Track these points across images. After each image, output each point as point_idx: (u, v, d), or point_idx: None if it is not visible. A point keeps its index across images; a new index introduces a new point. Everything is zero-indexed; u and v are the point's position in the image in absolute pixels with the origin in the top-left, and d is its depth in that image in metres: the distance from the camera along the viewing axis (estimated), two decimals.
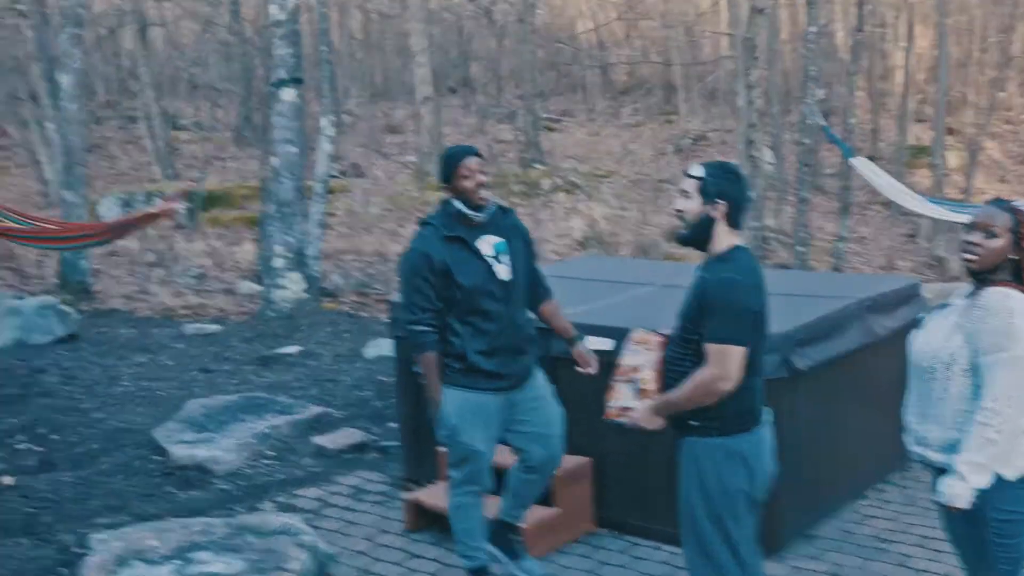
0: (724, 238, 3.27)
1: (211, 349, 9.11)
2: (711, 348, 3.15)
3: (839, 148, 12.89)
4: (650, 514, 4.84)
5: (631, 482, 4.92)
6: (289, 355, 8.73)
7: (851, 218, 15.27)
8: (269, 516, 5.00)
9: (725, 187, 3.25)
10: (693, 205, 3.26)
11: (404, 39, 24.53)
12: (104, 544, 4.51)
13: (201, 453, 5.93)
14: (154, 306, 11.72)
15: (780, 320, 4.20)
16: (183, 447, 6.01)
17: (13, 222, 12.10)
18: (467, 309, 3.97)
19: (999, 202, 3.16)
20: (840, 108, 18.94)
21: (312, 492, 5.56)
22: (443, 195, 4.11)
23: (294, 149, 10.92)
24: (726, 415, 3.21)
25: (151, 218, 12.05)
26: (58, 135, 13.56)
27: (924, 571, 4.44)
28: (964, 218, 9.82)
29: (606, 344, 4.57)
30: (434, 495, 5.01)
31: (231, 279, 13.03)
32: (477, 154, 4.07)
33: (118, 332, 9.78)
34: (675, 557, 4.45)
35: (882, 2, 22.56)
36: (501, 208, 4.17)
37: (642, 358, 3.41)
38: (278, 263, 10.64)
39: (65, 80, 12.77)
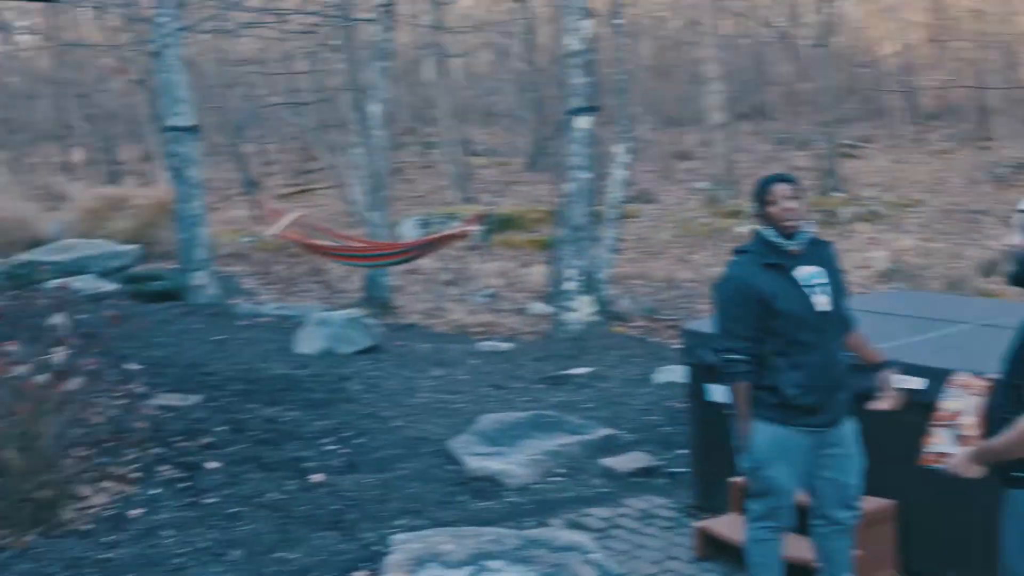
0: None
1: (503, 366, 9.44)
2: None
3: None
4: (962, 565, 4.53)
5: (942, 530, 4.62)
6: (578, 376, 8.90)
7: None
8: (559, 532, 5.09)
9: None
10: None
11: (697, 65, 24.48)
12: (403, 544, 4.75)
13: (494, 466, 6.14)
14: (449, 322, 12.29)
15: None
16: (477, 459, 6.26)
17: (326, 240, 13.13)
18: (784, 340, 3.88)
19: None
20: None
21: (600, 512, 5.62)
22: (755, 225, 4.06)
23: (587, 175, 11.16)
24: None
25: (449, 239, 12.74)
26: (365, 160, 14.53)
27: None
28: None
29: (914, 383, 4.34)
30: (725, 525, 4.94)
31: (522, 300, 13.45)
32: (789, 180, 3.99)
33: (416, 346, 10.32)
34: None
35: None
36: (817, 239, 4.06)
37: (964, 403, 3.26)
38: (569, 286, 10.89)
39: (373, 109, 13.69)
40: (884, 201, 19.13)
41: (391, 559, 4.62)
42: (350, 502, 5.71)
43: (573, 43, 11.15)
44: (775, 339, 3.88)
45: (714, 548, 4.97)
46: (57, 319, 5.66)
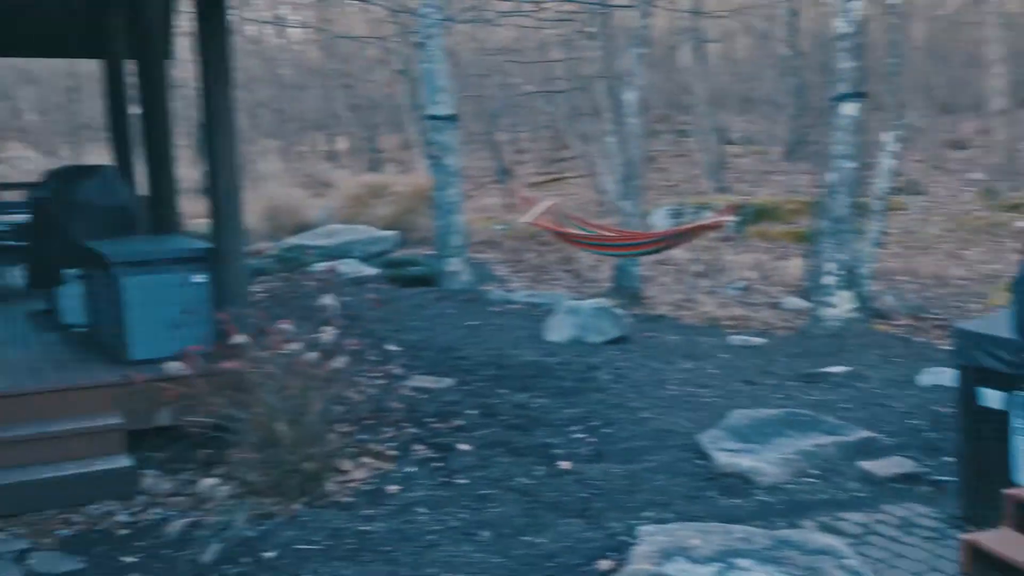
0: None
1: (755, 361, 9.28)
2: None
3: None
4: None
5: None
6: (835, 375, 8.63)
7: None
8: (812, 534, 4.98)
9: None
10: None
11: (977, 47, 23.07)
12: (651, 536, 4.79)
13: (744, 463, 6.07)
14: (699, 315, 12.20)
15: None
16: (726, 455, 6.20)
17: (577, 229, 13.31)
18: None
19: None
20: None
21: (856, 517, 5.44)
22: None
23: (851, 165, 10.79)
24: None
25: (701, 229, 12.62)
26: (618, 148, 14.62)
27: None
28: None
29: None
30: (998, 540, 4.67)
31: (776, 293, 13.16)
32: None
33: (665, 338, 10.31)
34: None
35: None
36: None
37: None
38: (828, 280, 10.57)
39: (628, 96, 13.73)
40: None
41: (638, 550, 4.67)
42: (597, 491, 5.80)
43: (842, 25, 10.79)
44: None
45: (983, 565, 4.71)
46: (326, 300, 6.03)
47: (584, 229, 13.56)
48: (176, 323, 6.67)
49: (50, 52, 13.97)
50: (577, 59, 21.43)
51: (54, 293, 8.31)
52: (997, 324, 5.11)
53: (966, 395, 5.25)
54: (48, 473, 6.01)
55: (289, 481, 5.71)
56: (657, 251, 12.99)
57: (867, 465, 6.14)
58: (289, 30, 34.66)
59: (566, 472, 6.14)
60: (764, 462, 6.08)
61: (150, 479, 6.22)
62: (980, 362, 5.06)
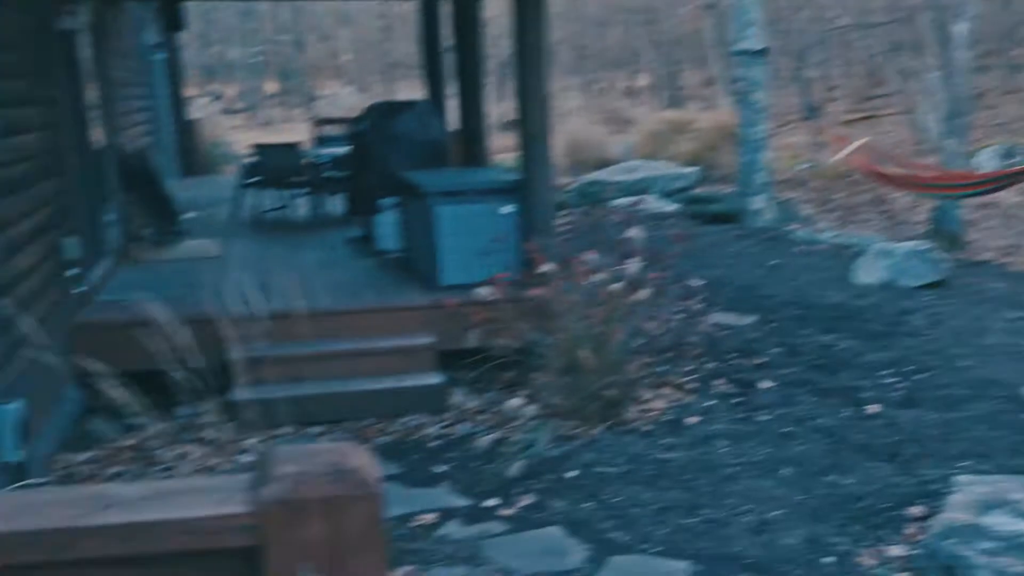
0: None
1: None
2: None
3: None
4: None
5: None
6: None
7: None
8: None
9: None
10: None
11: None
12: (969, 487, 4.60)
13: None
14: None
15: None
16: None
17: (894, 168, 12.73)
18: None
19: None
20: None
21: None
22: None
23: None
24: None
25: None
26: (942, 84, 13.78)
27: None
28: None
29: None
30: None
31: None
32: None
33: (989, 284, 9.71)
34: None
35: None
36: None
37: None
38: None
39: (957, 28, 12.89)
40: None
41: (954, 499, 4.50)
42: (908, 437, 5.62)
43: None
44: None
45: None
46: (632, 232, 6.14)
47: (902, 169, 12.95)
48: (485, 251, 6.99)
49: None
50: None
51: (371, 221, 8.91)
52: None
53: None
54: (367, 385, 6.53)
55: (590, 406, 5.91)
56: (982, 193, 12.21)
57: None
58: None
59: (875, 416, 5.97)
60: None
61: (458, 396, 6.63)
62: None
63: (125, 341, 5.72)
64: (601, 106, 28.01)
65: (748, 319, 8.07)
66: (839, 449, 5.50)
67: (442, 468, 5.59)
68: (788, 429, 5.81)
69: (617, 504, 4.97)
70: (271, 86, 40.42)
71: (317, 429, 6.19)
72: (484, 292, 6.29)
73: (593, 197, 13.83)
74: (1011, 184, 11.88)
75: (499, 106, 21.02)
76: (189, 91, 19.86)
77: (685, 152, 18.39)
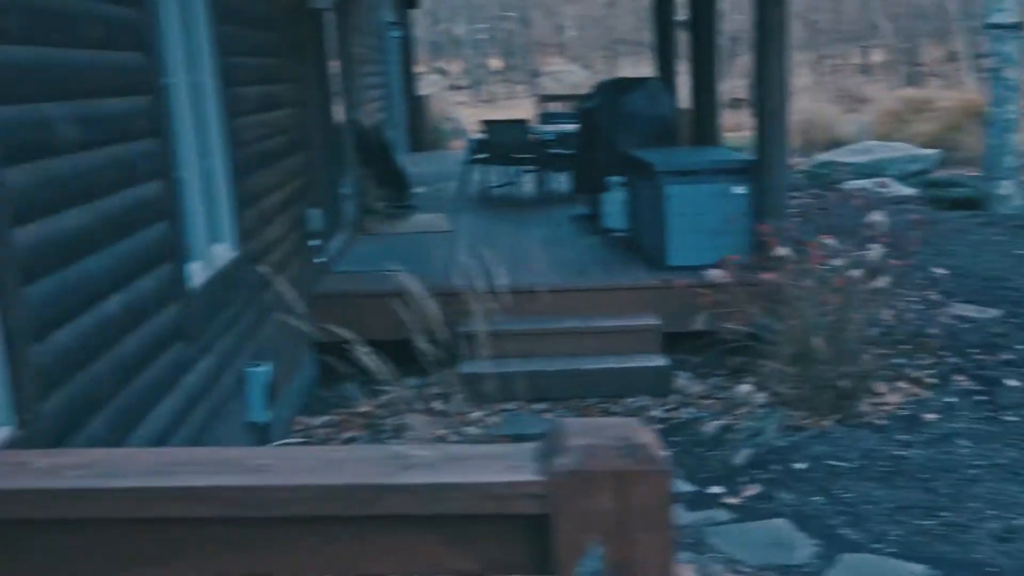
0: None
1: None
2: None
3: None
4: None
5: None
6: None
7: None
8: None
9: None
10: None
11: None
12: None
13: None
14: None
15: None
16: None
17: None
18: None
19: None
20: None
21: None
22: None
23: None
24: None
25: None
26: None
27: None
28: None
29: None
30: None
31: None
32: None
33: None
34: None
35: None
36: None
37: None
38: None
39: None
40: None
41: None
42: None
43: None
44: None
45: None
46: (875, 217, 5.98)
47: None
48: (716, 232, 6.97)
49: None
50: None
51: (597, 199, 9.00)
52: None
53: None
54: (591, 364, 6.65)
55: (821, 396, 5.81)
56: None
57: None
58: None
59: None
60: None
61: (682, 380, 6.65)
62: None
63: (362, 311, 6.04)
64: (833, 83, 27.16)
65: (992, 312, 7.71)
66: None
67: (665, 453, 5.63)
68: None
69: (848, 500, 4.89)
70: (495, 63, 41.20)
71: (540, 406, 6.34)
72: (714, 274, 6.27)
73: (824, 179, 13.48)
74: None
75: (723, 84, 20.70)
76: (418, 68, 20.51)
77: (924, 133, 17.62)
